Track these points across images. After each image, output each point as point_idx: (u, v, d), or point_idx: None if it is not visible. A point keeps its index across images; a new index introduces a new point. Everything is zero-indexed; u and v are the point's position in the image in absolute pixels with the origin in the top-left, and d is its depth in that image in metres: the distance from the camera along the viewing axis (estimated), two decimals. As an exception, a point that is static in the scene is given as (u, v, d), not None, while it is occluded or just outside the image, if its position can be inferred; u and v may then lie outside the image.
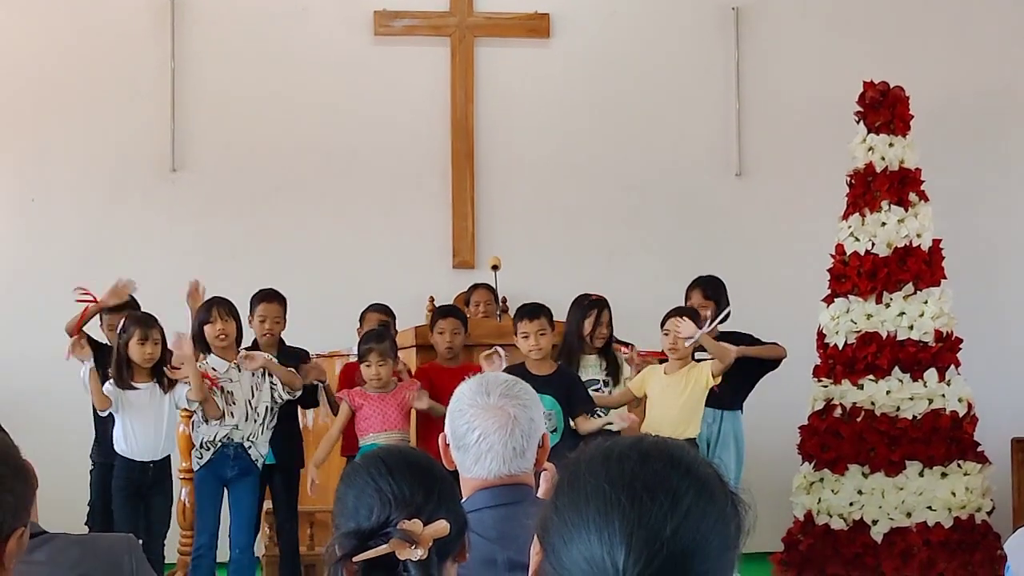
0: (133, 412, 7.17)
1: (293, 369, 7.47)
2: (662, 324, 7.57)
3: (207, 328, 7.39)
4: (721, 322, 7.77)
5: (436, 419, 6.80)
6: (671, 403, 7.45)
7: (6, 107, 9.98)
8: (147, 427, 7.19)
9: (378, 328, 7.78)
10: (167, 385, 7.22)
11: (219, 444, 7.31)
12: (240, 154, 10.12)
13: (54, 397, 9.15)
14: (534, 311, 7.41)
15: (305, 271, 9.83)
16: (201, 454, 7.34)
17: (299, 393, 7.52)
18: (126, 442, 7.19)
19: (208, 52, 10.15)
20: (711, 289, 8.30)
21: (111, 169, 10.04)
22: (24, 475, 2.44)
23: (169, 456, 7.38)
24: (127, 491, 7.19)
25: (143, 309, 7.75)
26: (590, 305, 7.75)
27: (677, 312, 7.58)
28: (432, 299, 9.39)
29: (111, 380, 7.14)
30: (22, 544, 2.40)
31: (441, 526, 2.32)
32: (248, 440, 7.37)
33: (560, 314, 7.79)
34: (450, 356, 7.72)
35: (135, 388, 7.17)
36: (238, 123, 10.13)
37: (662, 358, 7.75)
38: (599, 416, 7.40)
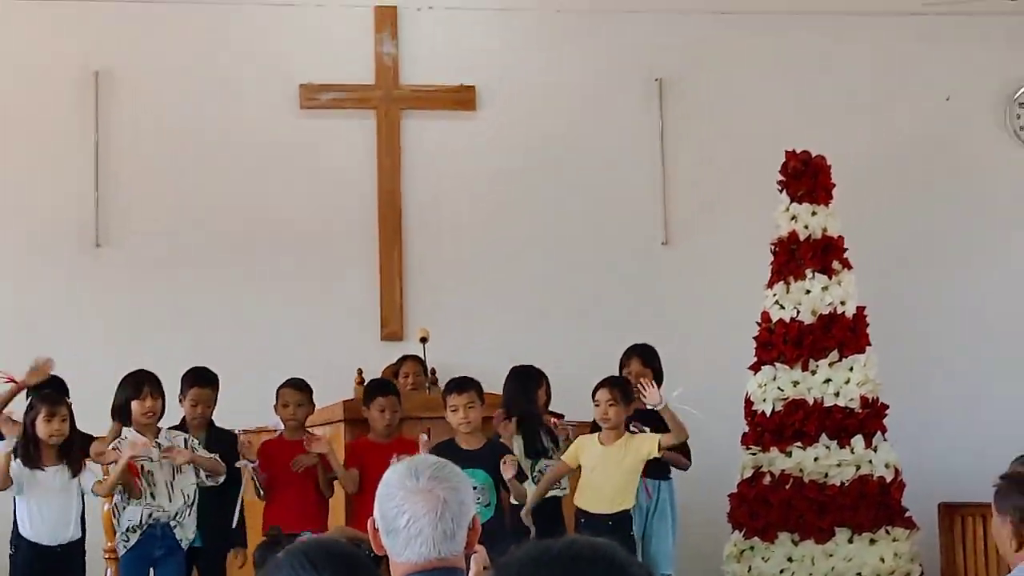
0: (39, 494, 7.02)
1: (216, 456, 7.38)
2: (593, 394, 7.60)
3: (135, 404, 7.32)
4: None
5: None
6: (610, 474, 7.48)
7: (-73, 182, 9.88)
8: (54, 509, 7.05)
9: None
10: (76, 467, 7.10)
11: (145, 526, 7.22)
12: (165, 227, 10.06)
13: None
14: (463, 384, 7.40)
15: (232, 344, 9.76)
16: (128, 537, 7.23)
17: (222, 479, 7.44)
18: (31, 525, 7.03)
19: (132, 124, 10.10)
20: (648, 357, 8.38)
21: (35, 243, 9.94)
22: None
23: (81, 538, 7.23)
24: None
25: (68, 384, 7.68)
26: (541, 376, 7.81)
27: (606, 383, 7.62)
28: (360, 371, 9.35)
29: (17, 460, 7.02)
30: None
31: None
32: (175, 520, 7.29)
33: (490, 385, 7.79)
34: (387, 433, 7.70)
35: (43, 469, 7.04)
36: (163, 196, 10.08)
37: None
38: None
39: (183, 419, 7.88)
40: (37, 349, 9.21)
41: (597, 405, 7.58)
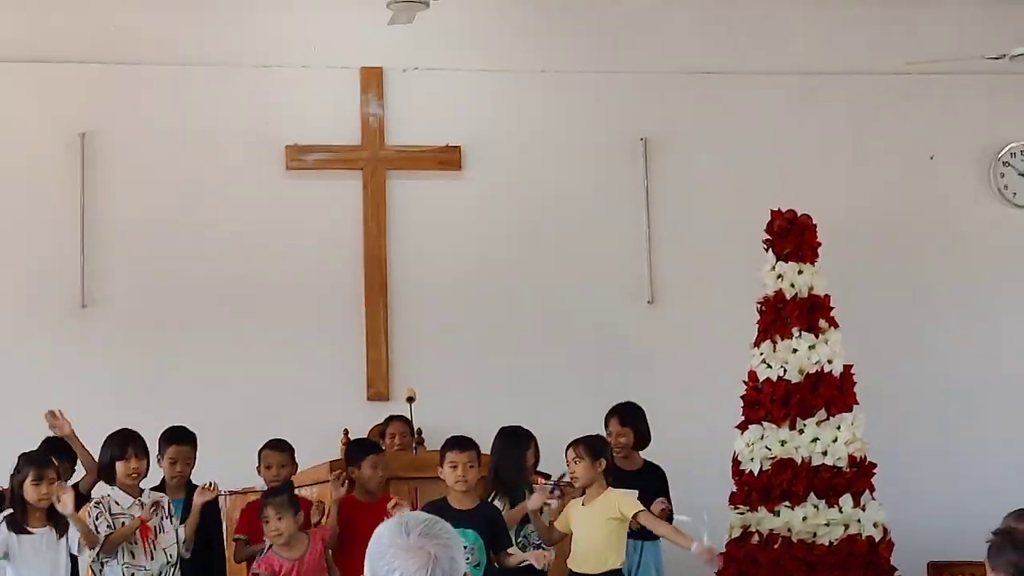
0: (27, 558, 6.95)
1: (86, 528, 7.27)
2: (565, 453, 7.61)
3: (120, 464, 7.29)
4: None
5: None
6: (593, 534, 7.45)
7: (-88, 244, 9.87)
8: (44, 573, 6.98)
9: (277, 486, 7.73)
10: (62, 528, 7.04)
11: None
12: (151, 288, 10.05)
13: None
14: (464, 443, 7.38)
15: (217, 405, 9.73)
16: None
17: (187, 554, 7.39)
18: None
19: (118, 185, 10.11)
20: (627, 416, 8.41)
21: (20, 304, 9.93)
22: None
23: None
24: None
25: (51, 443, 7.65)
26: (529, 436, 7.78)
27: (575, 443, 7.60)
28: (347, 432, 9.32)
29: (2, 525, 6.94)
30: None
31: None
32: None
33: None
34: (374, 490, 7.69)
35: (29, 532, 6.98)
36: (149, 256, 10.08)
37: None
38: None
39: (162, 480, 7.85)
40: (22, 408, 9.21)
41: (568, 465, 7.60)
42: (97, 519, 7.15)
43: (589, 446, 7.59)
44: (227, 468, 8.43)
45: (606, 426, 8.34)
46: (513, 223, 10.41)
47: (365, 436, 9.10)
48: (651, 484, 8.20)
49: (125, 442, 7.34)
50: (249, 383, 9.97)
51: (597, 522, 7.50)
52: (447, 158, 10.38)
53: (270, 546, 7.39)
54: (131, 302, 10.04)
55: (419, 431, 9.15)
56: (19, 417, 9.30)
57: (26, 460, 7.08)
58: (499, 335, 10.28)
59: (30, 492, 6.97)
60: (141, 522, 7.13)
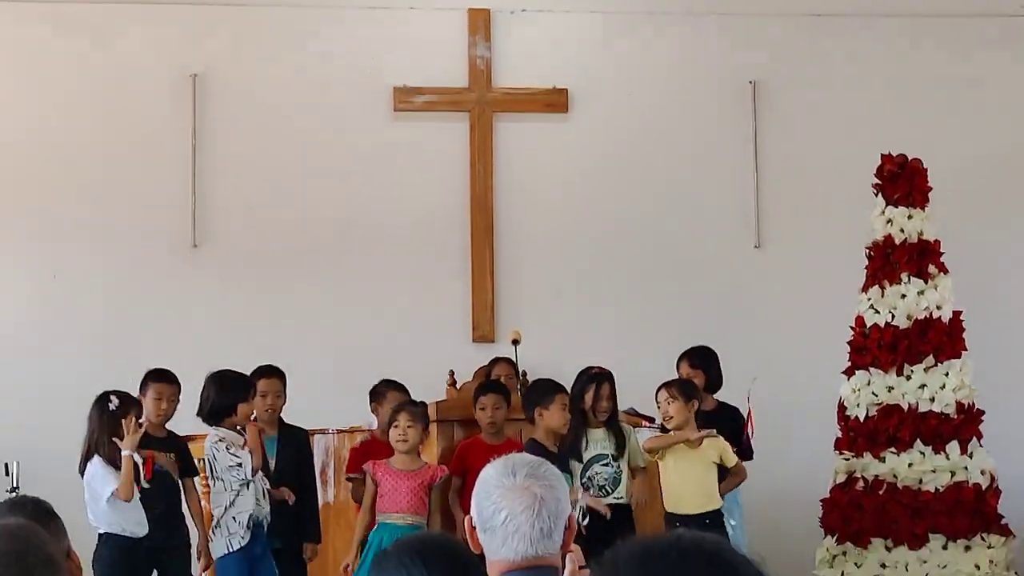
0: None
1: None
2: (656, 396, 7.64)
3: (243, 406, 7.36)
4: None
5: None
6: (701, 476, 7.51)
7: (28, 184, 10.04)
8: (137, 503, 7.11)
9: (412, 399, 7.82)
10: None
11: (253, 525, 7.27)
12: (260, 229, 10.17)
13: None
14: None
15: (325, 345, 9.84)
16: (245, 533, 7.26)
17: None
18: (120, 520, 7.09)
19: (229, 127, 10.22)
20: (697, 359, 8.42)
21: (132, 245, 10.08)
22: (54, 565, 2.44)
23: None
24: (129, 571, 7.09)
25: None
26: (589, 379, 7.79)
27: (668, 385, 7.64)
28: (452, 373, 9.38)
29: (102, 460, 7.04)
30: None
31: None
32: (265, 517, 7.37)
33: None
34: (493, 431, 7.75)
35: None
36: (258, 198, 10.18)
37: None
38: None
39: (254, 417, 7.92)
40: (135, 349, 9.38)
41: (659, 407, 7.64)
42: (230, 448, 7.26)
43: (682, 387, 7.70)
44: (333, 407, 8.54)
45: (677, 369, 8.35)
46: (620, 166, 10.38)
47: (471, 379, 9.17)
48: (725, 424, 8.19)
49: (249, 384, 7.44)
50: (356, 324, 10.06)
51: (704, 464, 7.56)
52: (554, 100, 10.36)
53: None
54: (241, 242, 10.16)
55: (524, 373, 9.19)
56: (131, 354, 9.49)
57: (124, 400, 7.15)
58: (604, 278, 10.27)
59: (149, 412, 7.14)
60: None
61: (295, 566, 7.80)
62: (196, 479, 7.59)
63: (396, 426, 7.35)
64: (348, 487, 8.11)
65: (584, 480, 7.64)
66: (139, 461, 7.02)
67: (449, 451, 7.97)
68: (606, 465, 7.68)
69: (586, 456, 7.67)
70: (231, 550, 7.25)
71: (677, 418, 7.56)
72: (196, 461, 7.51)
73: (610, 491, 7.65)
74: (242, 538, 7.22)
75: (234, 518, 7.25)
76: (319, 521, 7.93)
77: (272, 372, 7.90)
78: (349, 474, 8.01)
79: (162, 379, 7.60)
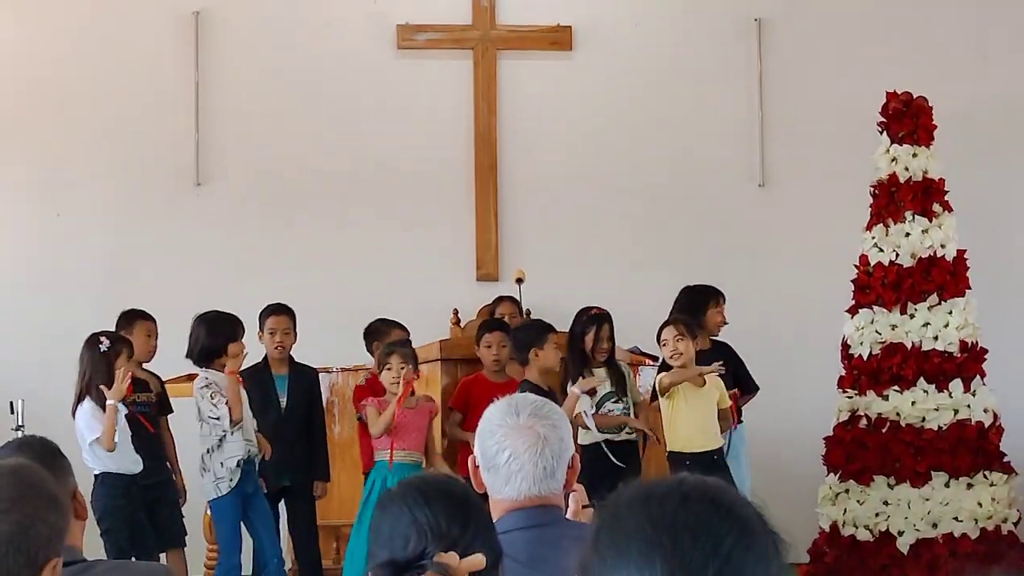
0: (120, 431, 7.11)
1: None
2: (658, 336, 7.63)
3: (233, 346, 7.37)
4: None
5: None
6: (707, 414, 7.53)
7: (31, 121, 10.03)
8: (127, 441, 7.14)
9: (403, 339, 7.80)
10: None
11: (244, 463, 7.31)
12: (264, 167, 10.16)
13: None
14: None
15: (328, 284, 9.85)
16: (233, 475, 7.30)
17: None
18: (113, 460, 7.11)
19: (232, 65, 10.18)
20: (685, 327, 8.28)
21: (136, 183, 10.08)
22: (58, 505, 2.45)
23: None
24: (126, 508, 7.13)
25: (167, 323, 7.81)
26: (590, 320, 7.79)
27: (675, 322, 7.64)
28: (456, 312, 9.40)
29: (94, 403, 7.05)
30: (56, 574, 2.41)
31: (477, 560, 2.32)
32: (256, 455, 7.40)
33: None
34: (497, 369, 7.77)
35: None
36: (262, 136, 10.16)
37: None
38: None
39: (265, 357, 7.95)
40: (139, 287, 9.40)
41: (665, 345, 7.60)
42: (212, 397, 7.27)
43: (688, 325, 7.66)
44: (337, 345, 8.55)
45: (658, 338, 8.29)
46: (623, 104, 10.34)
47: (475, 316, 9.18)
48: (722, 360, 8.19)
49: (237, 325, 7.44)
50: (359, 263, 10.06)
51: (711, 402, 7.58)
52: (558, 38, 10.31)
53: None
54: (245, 180, 10.15)
55: (528, 312, 9.21)
56: (134, 292, 9.49)
57: (115, 340, 7.14)
58: (608, 217, 10.26)
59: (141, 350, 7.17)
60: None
61: (304, 503, 7.84)
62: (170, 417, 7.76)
63: (389, 368, 7.33)
64: (352, 425, 8.14)
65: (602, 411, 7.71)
66: (122, 411, 7.02)
67: (453, 389, 7.99)
68: (617, 402, 7.72)
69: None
70: (220, 494, 7.29)
71: (686, 355, 7.56)
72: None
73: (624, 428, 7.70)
74: (231, 482, 7.26)
75: (222, 463, 7.28)
76: (328, 459, 7.96)
77: (281, 310, 7.91)
78: (359, 412, 8.01)
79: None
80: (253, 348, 7.76)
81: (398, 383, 7.24)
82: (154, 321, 7.81)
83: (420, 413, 7.38)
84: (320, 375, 8.18)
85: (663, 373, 7.64)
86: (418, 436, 7.33)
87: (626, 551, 1.68)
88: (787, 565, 1.71)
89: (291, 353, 7.95)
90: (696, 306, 8.33)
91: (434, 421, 7.51)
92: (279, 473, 7.65)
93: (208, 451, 7.28)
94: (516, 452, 3.22)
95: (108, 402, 6.89)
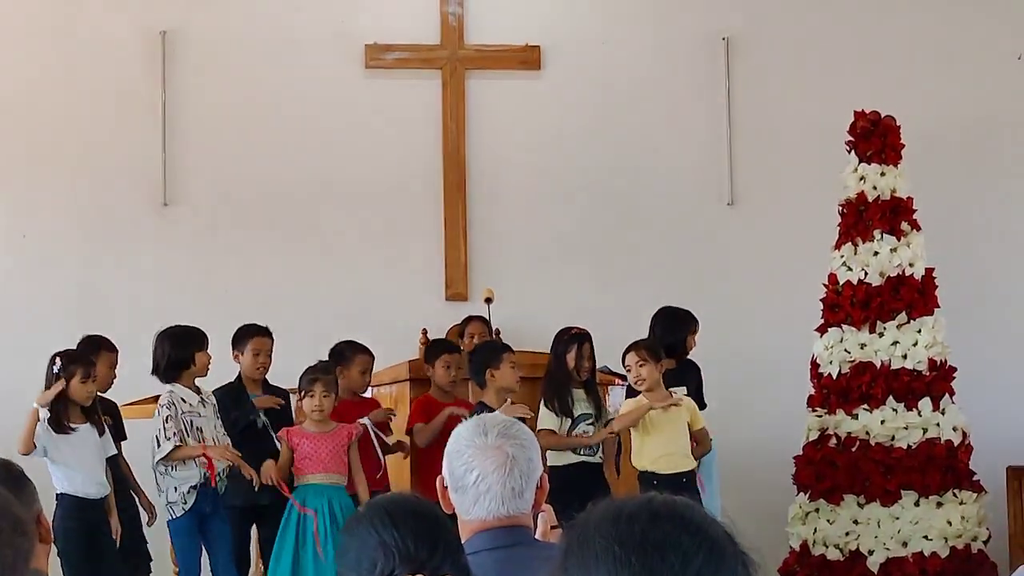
0: (66, 456, 7.01)
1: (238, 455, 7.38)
2: (623, 359, 7.63)
3: (200, 355, 7.38)
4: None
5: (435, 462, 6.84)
6: (678, 436, 7.52)
7: (-3, 142, 9.97)
8: (92, 466, 7.07)
9: (324, 362, 7.77)
10: (99, 426, 7.13)
11: (199, 485, 7.26)
12: (231, 187, 10.11)
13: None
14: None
15: (297, 305, 9.81)
16: (186, 499, 7.26)
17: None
18: (71, 482, 7.04)
19: (199, 85, 10.14)
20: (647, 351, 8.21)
21: (102, 203, 10.02)
22: (23, 528, 2.41)
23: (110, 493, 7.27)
24: (80, 531, 7.04)
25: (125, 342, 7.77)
26: (571, 339, 7.78)
27: (636, 347, 7.63)
28: (425, 331, 9.36)
29: (45, 424, 6.98)
30: (18, 598, 2.38)
31: (445, 582, 2.30)
32: (220, 476, 7.33)
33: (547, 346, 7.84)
34: (448, 390, 7.77)
35: (73, 430, 7.03)
36: (229, 156, 10.12)
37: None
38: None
39: (238, 375, 7.92)
40: (103, 306, 9.34)
41: (629, 371, 7.61)
42: (167, 421, 7.23)
43: (650, 349, 7.65)
44: (304, 365, 8.51)
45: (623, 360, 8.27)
46: (593, 123, 10.35)
47: (444, 336, 9.15)
48: (691, 381, 8.20)
49: (203, 336, 7.42)
50: (327, 283, 10.02)
51: (679, 424, 7.57)
52: (527, 57, 10.31)
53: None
54: (212, 200, 10.10)
55: (497, 331, 9.18)
56: (101, 313, 9.44)
57: (70, 359, 7.09)
58: (577, 236, 10.25)
59: (78, 391, 7.01)
60: (205, 455, 7.23)
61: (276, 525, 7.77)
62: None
63: (311, 395, 7.34)
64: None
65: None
66: (43, 417, 6.97)
67: (420, 409, 7.96)
68: (591, 424, 7.71)
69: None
70: (173, 516, 7.27)
71: (649, 380, 7.55)
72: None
73: (596, 449, 7.68)
74: (184, 506, 7.24)
75: (175, 488, 7.26)
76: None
77: (265, 332, 7.92)
78: None
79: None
80: (219, 366, 7.75)
81: (322, 411, 7.29)
82: (117, 352, 7.76)
83: (334, 436, 7.40)
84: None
85: (617, 415, 7.64)
86: (334, 459, 7.35)
87: (595, 570, 1.66)
88: None
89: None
90: (679, 330, 8.34)
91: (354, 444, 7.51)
92: (258, 492, 7.59)
93: (161, 472, 7.26)
94: (484, 472, 3.20)
95: (33, 405, 6.87)
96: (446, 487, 3.24)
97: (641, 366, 7.55)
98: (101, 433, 7.15)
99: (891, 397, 8.57)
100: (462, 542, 2.97)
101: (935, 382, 8.62)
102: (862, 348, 8.64)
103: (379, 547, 2.40)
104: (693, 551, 1.66)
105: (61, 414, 6.96)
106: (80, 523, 7.01)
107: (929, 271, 8.75)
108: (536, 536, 3.31)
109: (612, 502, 1.74)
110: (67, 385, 6.95)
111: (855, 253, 8.77)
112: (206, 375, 7.51)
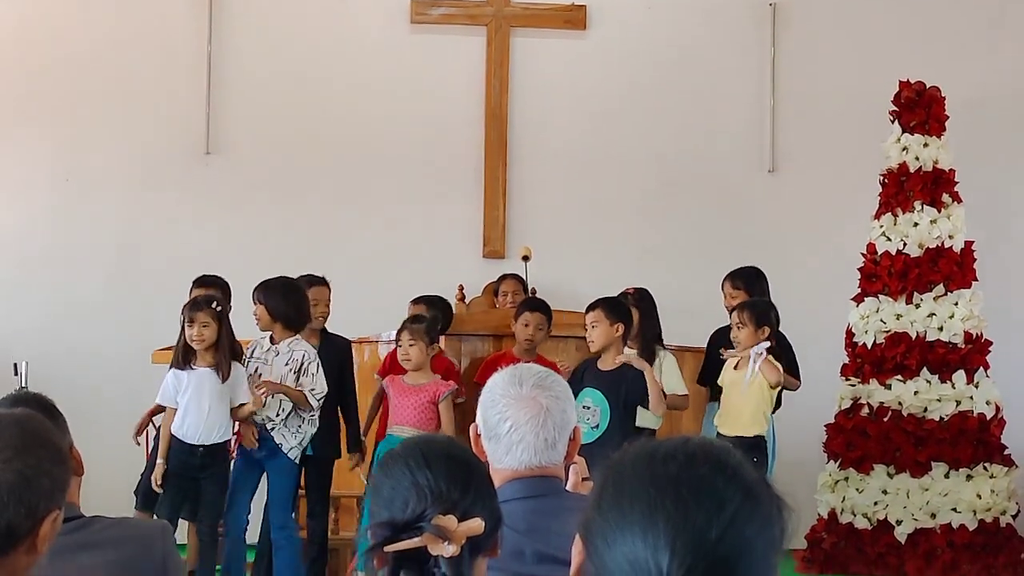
0: (186, 393, 7.10)
1: (306, 390, 7.36)
2: (730, 315, 7.43)
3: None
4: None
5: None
6: (752, 399, 7.22)
7: (43, 89, 10.03)
8: (198, 410, 7.12)
9: (418, 314, 7.77)
10: (225, 373, 7.13)
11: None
12: (274, 139, 10.15)
13: (88, 378, 9.24)
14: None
15: (335, 258, 9.81)
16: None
17: (309, 413, 7.43)
18: (178, 424, 7.13)
19: (245, 37, 10.17)
20: (741, 280, 8.14)
21: (146, 151, 10.07)
22: (61, 458, 2.44)
23: (227, 441, 7.28)
24: (175, 473, 7.14)
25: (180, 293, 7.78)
26: (642, 297, 7.77)
27: (742, 307, 7.33)
28: (461, 287, 9.40)
29: (171, 369, 7.09)
30: (56, 527, 2.41)
31: (475, 524, 2.31)
32: (271, 423, 7.35)
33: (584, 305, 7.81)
34: (528, 348, 7.69)
35: (193, 369, 7.11)
36: (273, 108, 10.15)
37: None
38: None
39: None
40: (146, 253, 9.40)
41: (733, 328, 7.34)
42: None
43: (754, 310, 7.30)
44: (344, 318, 8.54)
45: (722, 288, 8.18)
46: (636, 85, 10.33)
47: (480, 293, 9.17)
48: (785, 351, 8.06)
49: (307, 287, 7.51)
50: (367, 237, 10.05)
51: (757, 386, 7.26)
52: (572, 17, 10.29)
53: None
54: (254, 153, 10.14)
55: (533, 290, 9.20)
56: (144, 260, 9.51)
57: (186, 306, 7.17)
58: (617, 198, 10.25)
59: (186, 334, 7.11)
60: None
61: (320, 472, 7.79)
62: None
63: (400, 345, 7.37)
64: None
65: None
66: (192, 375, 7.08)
67: (454, 364, 7.96)
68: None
69: None
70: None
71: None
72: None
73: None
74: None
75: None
76: (359, 430, 7.88)
77: (322, 281, 7.92)
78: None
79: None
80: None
81: (409, 360, 7.30)
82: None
83: (421, 392, 7.38)
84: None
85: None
86: (416, 414, 7.34)
87: (628, 511, 1.67)
88: (790, 532, 1.70)
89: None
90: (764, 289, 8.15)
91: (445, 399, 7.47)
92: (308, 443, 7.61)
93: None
94: (518, 423, 3.22)
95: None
96: (479, 435, 3.26)
97: (740, 328, 7.24)
98: (224, 379, 7.14)
99: (925, 368, 8.56)
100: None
101: (970, 355, 8.60)
102: (898, 319, 8.63)
103: (412, 487, 2.41)
104: (728, 495, 1.67)
105: (181, 356, 7.05)
106: (176, 463, 7.07)
107: (968, 244, 8.73)
108: (567, 487, 3.33)
109: (646, 443, 1.74)
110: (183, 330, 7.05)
111: (895, 223, 8.75)
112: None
